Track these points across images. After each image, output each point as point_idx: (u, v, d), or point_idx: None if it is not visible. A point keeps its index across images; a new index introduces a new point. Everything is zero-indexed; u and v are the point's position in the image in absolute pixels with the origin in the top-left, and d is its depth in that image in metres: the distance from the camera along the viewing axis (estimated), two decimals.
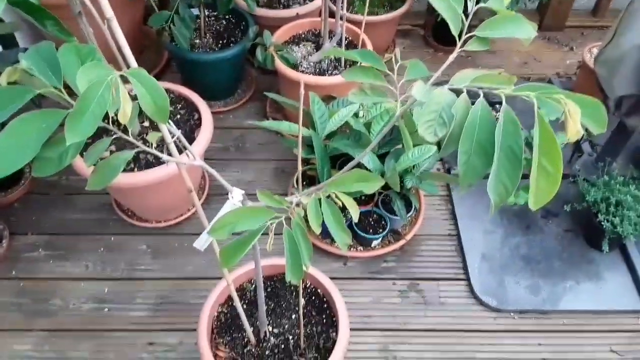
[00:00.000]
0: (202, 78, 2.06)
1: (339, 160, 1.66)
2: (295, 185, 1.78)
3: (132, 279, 1.61)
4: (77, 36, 1.15)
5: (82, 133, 0.65)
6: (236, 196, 0.85)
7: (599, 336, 1.51)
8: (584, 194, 1.61)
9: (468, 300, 1.57)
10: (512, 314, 1.55)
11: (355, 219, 0.77)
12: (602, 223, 1.54)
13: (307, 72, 1.90)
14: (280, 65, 1.84)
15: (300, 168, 0.91)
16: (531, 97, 0.57)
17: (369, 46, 1.93)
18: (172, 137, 0.83)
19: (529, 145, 0.57)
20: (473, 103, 0.59)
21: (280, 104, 1.96)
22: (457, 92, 0.61)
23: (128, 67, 0.74)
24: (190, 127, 1.64)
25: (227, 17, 2.13)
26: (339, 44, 1.92)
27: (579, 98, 0.56)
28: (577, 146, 1.89)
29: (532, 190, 0.57)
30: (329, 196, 0.76)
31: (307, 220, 0.77)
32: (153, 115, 0.66)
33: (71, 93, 0.72)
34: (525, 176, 0.53)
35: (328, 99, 1.70)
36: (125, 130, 0.78)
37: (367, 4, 1.78)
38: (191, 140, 1.56)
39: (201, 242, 0.93)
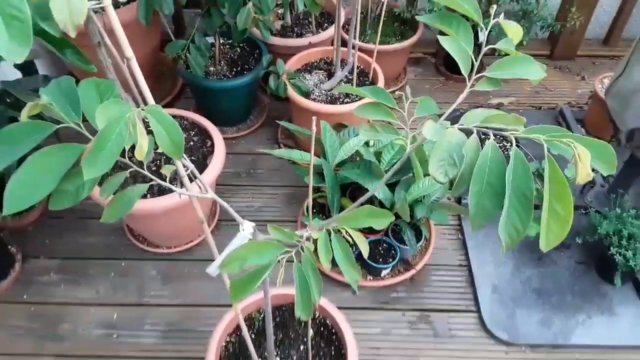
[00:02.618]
0: (215, 104, 2.09)
1: (348, 188, 1.66)
2: (306, 214, 1.79)
3: (142, 305, 1.61)
4: (95, 64, 1.17)
5: (100, 169, 0.66)
6: (247, 229, 0.86)
7: None
8: (596, 225, 1.60)
9: (479, 333, 1.55)
10: (523, 347, 1.52)
11: (365, 255, 0.78)
12: (615, 256, 1.52)
13: (318, 100, 1.93)
14: (292, 93, 1.86)
15: (310, 199, 0.92)
16: (541, 140, 0.57)
17: (380, 75, 1.96)
18: (186, 171, 0.85)
19: (541, 176, 0.58)
20: (484, 141, 0.60)
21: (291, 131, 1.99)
22: (468, 132, 0.62)
23: (145, 102, 0.76)
24: (203, 154, 1.67)
25: (241, 45, 2.17)
26: (351, 72, 1.94)
27: (588, 141, 0.57)
28: None
29: (543, 232, 0.58)
30: (339, 231, 0.77)
31: (317, 254, 0.77)
32: (169, 152, 0.68)
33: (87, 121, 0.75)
34: (536, 207, 0.53)
35: (339, 127, 1.71)
36: (141, 163, 0.79)
37: (379, 34, 1.80)
38: (204, 167, 1.58)
39: (213, 269, 0.93)
